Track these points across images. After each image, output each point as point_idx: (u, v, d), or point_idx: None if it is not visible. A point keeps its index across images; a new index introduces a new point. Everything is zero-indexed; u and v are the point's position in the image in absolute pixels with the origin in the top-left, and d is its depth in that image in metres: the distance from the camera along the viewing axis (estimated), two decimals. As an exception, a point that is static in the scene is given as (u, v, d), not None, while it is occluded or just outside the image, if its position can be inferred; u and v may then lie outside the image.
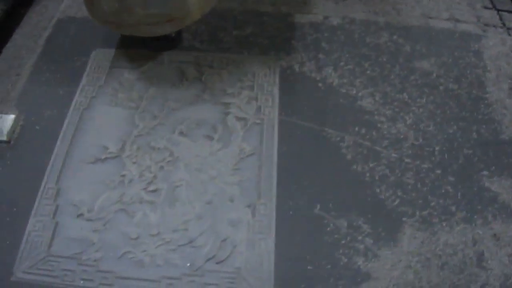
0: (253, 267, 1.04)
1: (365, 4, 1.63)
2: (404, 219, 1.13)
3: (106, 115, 1.30)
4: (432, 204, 1.15)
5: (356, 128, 1.28)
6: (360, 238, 1.09)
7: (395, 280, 1.03)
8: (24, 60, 1.45)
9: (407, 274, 1.04)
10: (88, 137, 1.25)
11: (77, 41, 1.49)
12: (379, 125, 1.30)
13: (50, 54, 1.45)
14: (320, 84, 1.38)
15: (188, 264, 1.04)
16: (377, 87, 1.38)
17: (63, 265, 1.04)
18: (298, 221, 1.12)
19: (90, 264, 1.04)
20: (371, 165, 1.22)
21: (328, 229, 1.11)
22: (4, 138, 1.24)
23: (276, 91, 1.35)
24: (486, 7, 1.65)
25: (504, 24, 1.59)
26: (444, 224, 1.12)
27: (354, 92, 1.37)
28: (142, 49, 1.45)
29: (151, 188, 1.16)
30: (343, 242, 1.09)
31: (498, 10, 1.64)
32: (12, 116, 1.28)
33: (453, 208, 1.15)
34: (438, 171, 1.21)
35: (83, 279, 1.02)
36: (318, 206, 1.14)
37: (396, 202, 1.15)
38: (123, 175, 1.18)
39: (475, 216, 1.14)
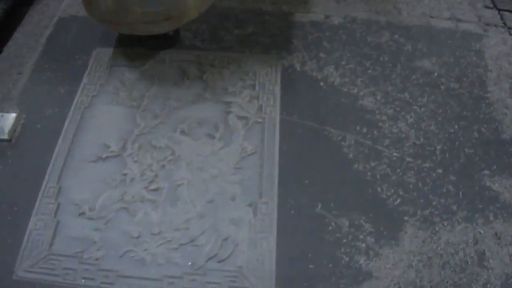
0: (254, 266, 1.04)
1: (366, 3, 1.63)
2: (405, 218, 1.13)
3: (107, 114, 1.30)
4: (434, 203, 1.15)
5: (358, 127, 1.28)
6: (361, 237, 1.09)
7: (396, 279, 1.04)
8: (26, 59, 1.45)
9: (408, 273, 1.05)
10: (89, 135, 1.25)
11: (78, 39, 1.49)
12: (380, 124, 1.30)
13: (51, 53, 1.45)
14: (321, 83, 1.38)
15: (190, 263, 1.04)
16: (379, 86, 1.38)
17: (65, 264, 1.04)
18: (299, 220, 1.12)
19: (92, 262, 1.04)
20: (372, 164, 1.22)
21: (330, 228, 1.11)
22: (6, 136, 1.24)
23: (277, 90, 1.35)
24: (487, 7, 1.65)
25: (505, 24, 1.59)
26: (445, 223, 1.12)
27: (356, 91, 1.37)
28: (141, 48, 1.45)
29: (153, 187, 1.16)
30: (344, 241, 1.09)
31: (499, 10, 1.64)
32: (14, 115, 1.28)
33: (454, 207, 1.15)
34: (440, 171, 1.21)
35: (84, 278, 1.02)
36: (320, 205, 1.14)
37: (398, 201, 1.15)
38: (125, 174, 1.18)
39: (476, 215, 1.14)
